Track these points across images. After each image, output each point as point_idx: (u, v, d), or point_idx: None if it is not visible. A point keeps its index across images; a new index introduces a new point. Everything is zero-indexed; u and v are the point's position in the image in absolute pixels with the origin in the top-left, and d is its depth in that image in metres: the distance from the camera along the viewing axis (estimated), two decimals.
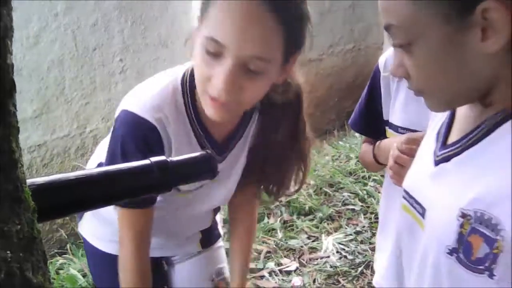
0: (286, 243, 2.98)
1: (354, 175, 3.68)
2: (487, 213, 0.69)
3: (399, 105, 1.45)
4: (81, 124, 2.95)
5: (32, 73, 2.71)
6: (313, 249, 2.96)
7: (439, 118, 0.94)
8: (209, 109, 1.11)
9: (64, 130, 2.90)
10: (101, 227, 1.49)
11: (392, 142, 1.40)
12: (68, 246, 2.86)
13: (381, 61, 1.50)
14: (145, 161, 0.68)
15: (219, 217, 1.72)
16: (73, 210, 0.60)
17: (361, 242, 3.00)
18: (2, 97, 0.37)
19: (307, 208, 3.27)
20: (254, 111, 1.34)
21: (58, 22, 2.73)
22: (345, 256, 2.88)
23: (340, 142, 4.09)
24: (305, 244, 2.98)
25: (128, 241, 1.28)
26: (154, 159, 0.68)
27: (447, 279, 0.77)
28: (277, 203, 3.16)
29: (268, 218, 3.21)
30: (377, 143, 1.51)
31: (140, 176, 0.66)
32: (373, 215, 3.19)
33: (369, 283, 2.68)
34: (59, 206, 0.56)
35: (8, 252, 0.37)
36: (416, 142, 1.16)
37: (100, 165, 1.37)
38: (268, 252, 2.91)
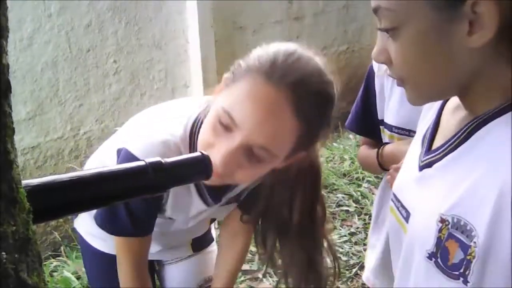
0: None
1: (348, 176, 3.68)
2: (463, 219, 0.70)
3: (394, 104, 1.45)
4: (75, 126, 2.95)
5: (26, 74, 2.70)
6: None
7: (426, 121, 0.94)
8: None
9: (58, 132, 2.89)
10: (95, 225, 1.49)
11: (396, 149, 1.40)
12: (62, 248, 2.85)
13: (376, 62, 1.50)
14: (140, 162, 0.68)
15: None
16: (68, 212, 0.59)
17: (355, 243, 3.01)
18: None
19: None
20: None
21: (51, 23, 2.73)
22: (339, 257, 2.88)
23: (334, 144, 4.10)
24: None
25: (126, 265, 1.31)
26: (149, 160, 0.68)
27: (426, 282, 0.78)
28: None
29: None
30: (380, 150, 1.50)
31: (135, 178, 0.66)
32: (367, 217, 3.19)
33: (363, 284, 2.68)
34: (54, 208, 0.55)
35: (3, 253, 0.37)
36: None
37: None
38: None
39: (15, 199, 0.39)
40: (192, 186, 1.25)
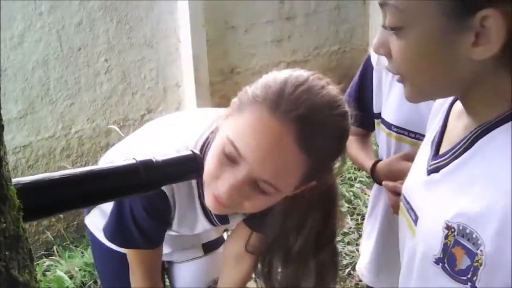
0: None
1: (341, 176, 3.68)
2: (469, 227, 0.70)
3: (394, 102, 1.44)
4: (66, 125, 2.93)
5: (17, 73, 2.69)
6: None
7: (436, 123, 0.93)
8: (209, 202, 1.06)
9: (49, 131, 2.88)
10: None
11: (391, 167, 1.40)
12: (54, 248, 2.84)
13: (373, 54, 1.49)
14: (131, 161, 0.68)
15: None
16: (60, 210, 0.59)
17: (348, 243, 3.01)
18: None
19: None
20: None
21: (42, 21, 2.71)
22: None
23: None
24: None
25: (139, 274, 1.33)
26: (140, 158, 0.67)
27: (434, 286, 0.78)
28: None
29: None
30: (374, 167, 1.48)
31: (126, 176, 0.66)
32: (359, 217, 3.20)
33: (356, 284, 2.69)
34: (45, 206, 0.55)
35: None
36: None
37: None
38: None
39: (5, 196, 0.38)
40: (198, 206, 1.23)
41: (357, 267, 1.75)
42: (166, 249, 1.49)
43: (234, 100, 1.06)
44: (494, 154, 0.71)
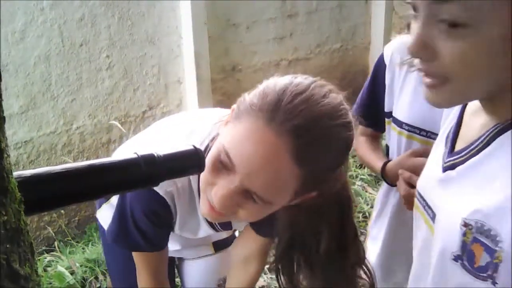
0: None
1: None
2: (487, 224, 0.70)
3: (405, 100, 1.44)
4: (67, 120, 2.93)
5: (18, 68, 2.68)
6: None
7: (450, 120, 0.92)
8: (204, 209, 1.05)
9: (50, 127, 2.88)
10: None
11: (401, 166, 1.40)
12: (55, 243, 2.84)
13: (387, 53, 1.49)
14: (132, 155, 0.68)
15: None
16: (61, 203, 0.59)
17: None
18: None
19: None
20: None
21: (44, 17, 2.71)
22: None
23: None
24: None
25: (145, 275, 1.32)
26: (141, 153, 0.67)
27: (454, 283, 0.78)
28: None
29: None
30: (384, 168, 1.48)
31: (127, 170, 0.66)
32: (360, 214, 3.20)
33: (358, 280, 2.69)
34: (46, 199, 0.55)
35: None
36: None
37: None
38: None
39: (6, 188, 0.38)
40: (200, 213, 1.22)
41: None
42: (175, 246, 1.49)
43: (234, 107, 1.03)
44: None
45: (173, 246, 1.47)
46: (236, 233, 1.69)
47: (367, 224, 3.11)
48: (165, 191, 1.14)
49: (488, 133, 0.75)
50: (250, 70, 3.68)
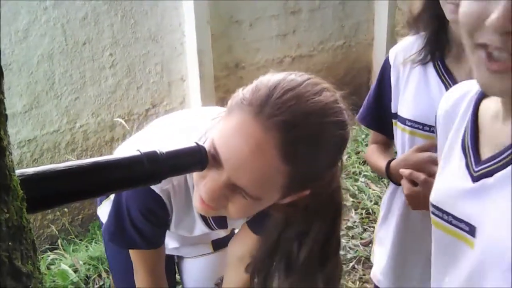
0: None
1: (345, 171, 3.67)
2: None
3: (408, 97, 1.44)
4: (71, 119, 2.94)
5: (22, 67, 2.69)
6: None
7: (455, 130, 0.89)
8: (196, 203, 1.03)
9: (54, 125, 2.89)
10: None
11: (405, 163, 1.40)
12: (59, 241, 2.85)
13: (392, 55, 1.50)
14: (135, 153, 0.68)
15: None
16: (64, 201, 0.59)
17: (352, 237, 3.01)
18: None
19: None
20: None
21: (47, 16, 2.71)
22: None
23: None
24: None
25: (142, 273, 1.32)
26: (144, 150, 0.68)
27: None
28: None
29: None
30: (388, 167, 1.48)
31: (130, 168, 0.66)
32: (364, 211, 3.19)
33: (361, 278, 2.69)
34: (50, 197, 0.55)
35: None
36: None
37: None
38: None
39: (8, 186, 0.38)
40: (196, 211, 1.22)
41: (371, 274, 1.74)
42: (174, 244, 1.49)
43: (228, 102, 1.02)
44: None
45: (171, 244, 1.47)
46: (235, 232, 1.69)
47: (370, 221, 3.11)
48: (161, 189, 1.14)
49: None
50: (253, 67, 3.68)
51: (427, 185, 1.32)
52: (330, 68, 4.16)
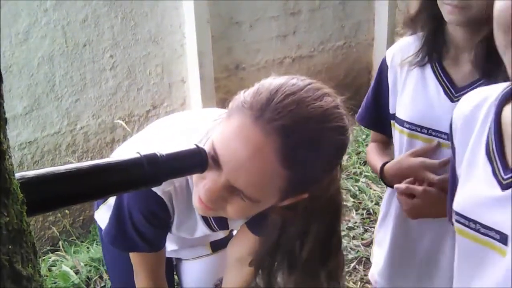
0: None
1: (346, 171, 3.68)
2: None
3: (406, 99, 1.44)
4: (71, 121, 2.94)
5: (22, 69, 2.69)
6: None
7: (475, 135, 0.87)
8: (195, 203, 1.04)
9: (54, 127, 2.89)
10: None
11: (400, 166, 1.40)
12: (60, 243, 2.85)
13: (389, 55, 1.49)
14: (135, 155, 0.68)
15: None
16: (64, 204, 0.59)
17: (353, 238, 3.01)
18: None
19: None
20: None
21: (47, 18, 2.71)
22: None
23: None
24: None
25: (142, 276, 1.33)
26: (144, 153, 0.68)
27: None
28: None
29: None
30: (382, 170, 1.48)
31: (130, 170, 0.66)
32: (365, 211, 3.19)
33: (362, 278, 2.69)
34: (50, 199, 0.55)
35: None
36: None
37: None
38: None
39: (8, 189, 0.38)
40: (197, 212, 1.22)
41: (369, 274, 1.74)
42: (173, 246, 1.49)
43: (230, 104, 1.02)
44: None
45: (170, 247, 1.47)
46: (234, 233, 1.69)
47: (371, 221, 3.11)
48: (162, 191, 1.14)
49: None
50: (254, 69, 3.68)
51: (427, 195, 1.33)
52: (330, 69, 4.16)
